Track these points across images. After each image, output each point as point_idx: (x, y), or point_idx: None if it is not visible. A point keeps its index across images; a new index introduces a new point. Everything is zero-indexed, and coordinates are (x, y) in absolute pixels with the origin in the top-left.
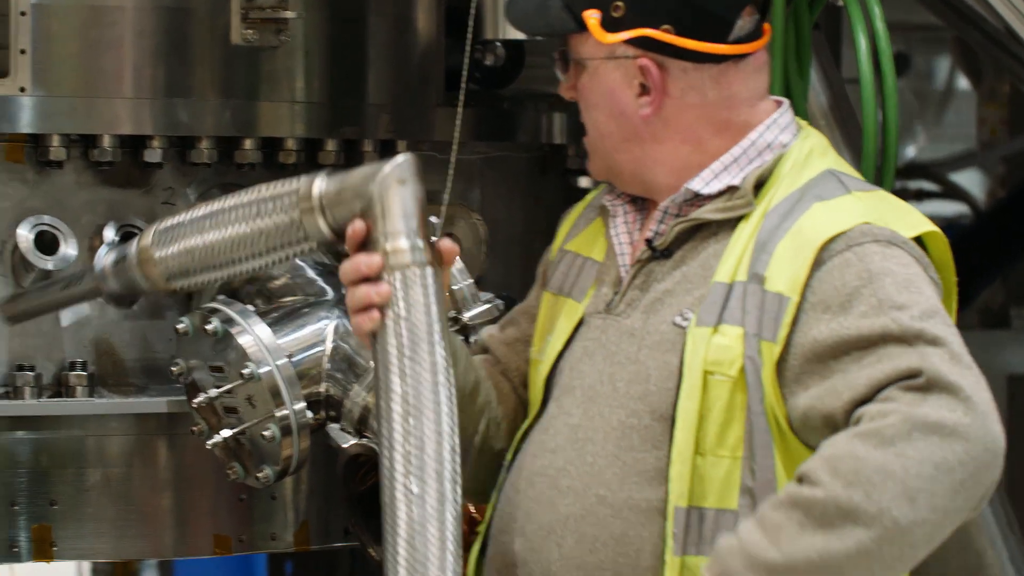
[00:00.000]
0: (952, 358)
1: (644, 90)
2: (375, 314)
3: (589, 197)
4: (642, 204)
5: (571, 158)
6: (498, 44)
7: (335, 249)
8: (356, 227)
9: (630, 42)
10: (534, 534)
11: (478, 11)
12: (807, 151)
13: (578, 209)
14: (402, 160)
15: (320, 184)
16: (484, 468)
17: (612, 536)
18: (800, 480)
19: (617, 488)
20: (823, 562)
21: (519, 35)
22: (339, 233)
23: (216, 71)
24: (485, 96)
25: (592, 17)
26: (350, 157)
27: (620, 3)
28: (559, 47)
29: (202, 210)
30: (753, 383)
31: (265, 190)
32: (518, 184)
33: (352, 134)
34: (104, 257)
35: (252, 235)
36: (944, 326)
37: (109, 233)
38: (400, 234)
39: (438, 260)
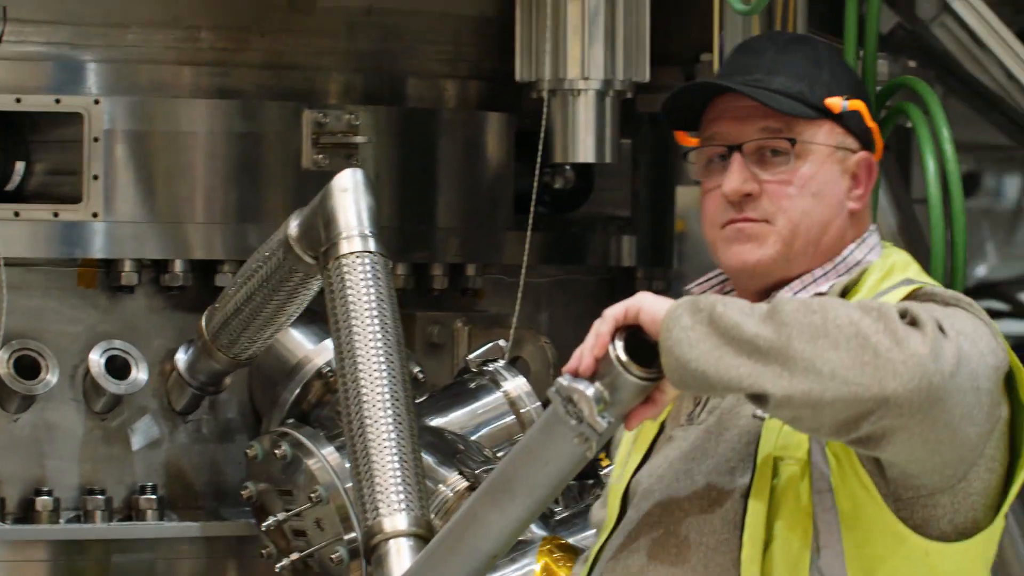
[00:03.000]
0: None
1: (855, 183)
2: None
3: None
4: None
5: (640, 280)
6: (567, 168)
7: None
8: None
9: (856, 135)
10: None
11: (547, 135)
12: (889, 266)
13: None
14: (344, 172)
15: (293, 222)
16: None
17: None
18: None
19: (702, 571)
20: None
21: (588, 159)
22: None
23: (287, 196)
24: (554, 220)
25: (838, 106)
26: (420, 281)
27: (855, 97)
28: (763, 138)
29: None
30: (818, 461)
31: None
32: (587, 307)
33: (422, 258)
34: (180, 360)
35: (260, 282)
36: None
37: (181, 357)
38: (340, 232)
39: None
